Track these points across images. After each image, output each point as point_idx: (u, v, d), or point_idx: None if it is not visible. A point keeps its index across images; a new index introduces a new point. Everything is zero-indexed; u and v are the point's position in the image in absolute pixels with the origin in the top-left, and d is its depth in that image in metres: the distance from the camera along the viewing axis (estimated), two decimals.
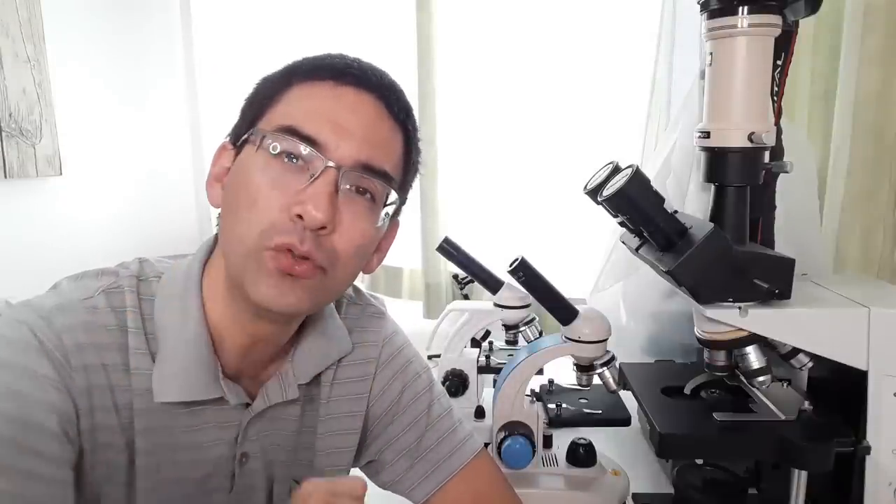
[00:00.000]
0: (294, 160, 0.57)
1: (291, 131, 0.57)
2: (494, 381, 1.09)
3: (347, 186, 0.58)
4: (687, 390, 0.90)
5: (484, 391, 1.12)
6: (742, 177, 0.76)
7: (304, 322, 0.68)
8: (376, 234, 0.63)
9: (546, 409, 1.08)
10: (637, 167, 0.74)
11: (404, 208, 0.69)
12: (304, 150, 0.57)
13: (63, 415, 0.54)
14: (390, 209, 0.62)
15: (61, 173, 1.50)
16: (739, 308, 0.74)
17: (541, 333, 1.06)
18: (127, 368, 0.59)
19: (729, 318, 0.75)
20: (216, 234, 0.64)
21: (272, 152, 0.57)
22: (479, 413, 1.07)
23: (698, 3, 0.76)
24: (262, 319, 0.61)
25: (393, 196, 0.62)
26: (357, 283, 0.81)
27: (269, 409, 0.66)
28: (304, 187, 0.56)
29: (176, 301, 0.62)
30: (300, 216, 0.55)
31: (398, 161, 0.63)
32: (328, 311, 0.71)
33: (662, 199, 0.75)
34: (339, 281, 0.61)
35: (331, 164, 0.56)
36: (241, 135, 0.61)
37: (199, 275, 0.63)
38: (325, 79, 0.60)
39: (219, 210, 0.63)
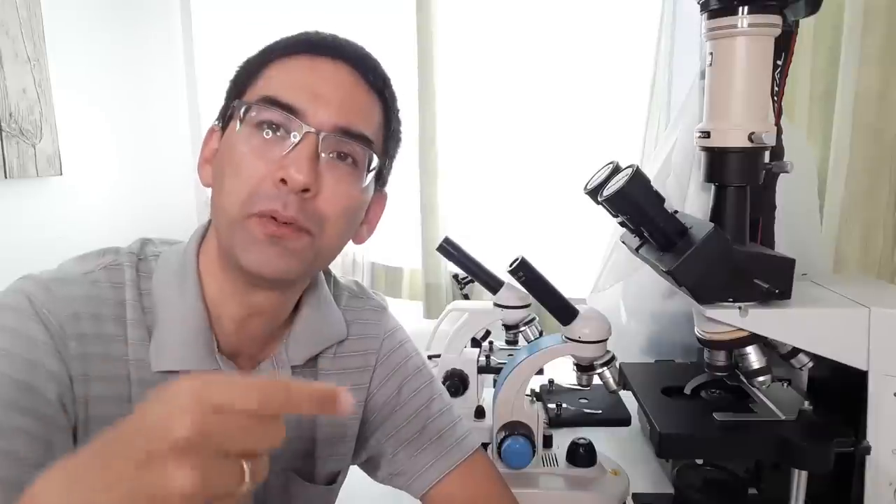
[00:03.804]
0: (275, 130, 0.59)
1: (270, 101, 0.59)
2: (494, 381, 1.09)
3: (330, 154, 0.60)
4: (687, 390, 0.90)
5: (484, 391, 1.12)
6: (742, 177, 0.76)
7: (299, 304, 0.69)
8: (362, 197, 0.64)
9: (546, 409, 1.08)
10: (637, 167, 0.74)
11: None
12: (283, 117, 0.58)
13: (59, 380, 0.56)
14: (373, 173, 0.64)
15: (61, 173, 1.50)
16: (739, 308, 0.74)
17: (541, 333, 1.06)
18: (124, 339, 0.60)
19: (729, 318, 0.75)
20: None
21: (253, 124, 0.59)
22: (479, 413, 1.07)
23: (698, 3, 0.76)
24: (257, 287, 0.62)
25: (375, 160, 0.63)
26: (358, 280, 0.82)
27: None
28: (286, 154, 0.58)
29: (173, 277, 0.63)
30: (283, 181, 0.57)
31: (378, 127, 0.64)
32: (324, 296, 0.72)
33: (662, 199, 0.75)
34: (328, 244, 0.62)
35: (310, 129, 0.58)
36: (226, 113, 0.64)
37: (196, 252, 0.65)
38: (301, 53, 0.62)
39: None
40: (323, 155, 0.59)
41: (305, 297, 0.70)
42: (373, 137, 0.63)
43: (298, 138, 0.58)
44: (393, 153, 0.69)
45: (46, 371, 0.55)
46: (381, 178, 0.68)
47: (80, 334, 0.58)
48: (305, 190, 0.57)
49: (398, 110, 0.68)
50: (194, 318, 0.62)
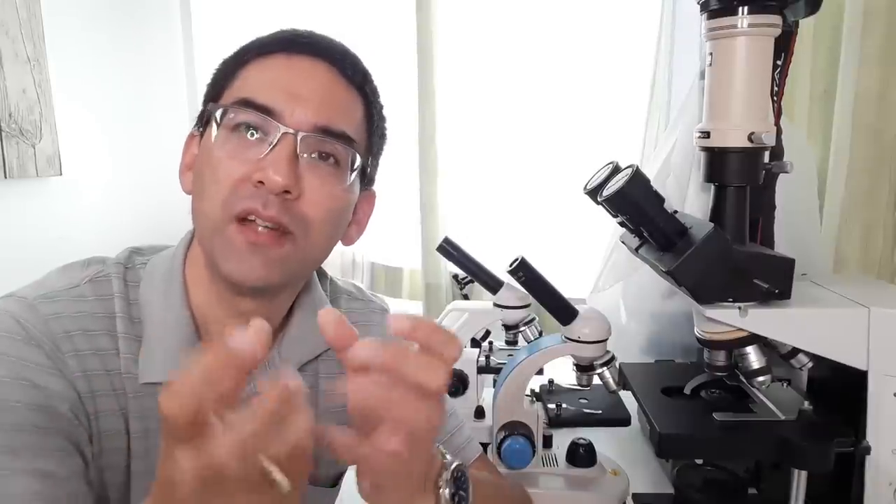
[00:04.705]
0: (252, 132, 0.58)
1: (246, 102, 0.58)
2: (494, 381, 1.09)
3: (310, 154, 0.59)
4: (687, 390, 0.90)
5: (484, 391, 1.12)
6: (742, 177, 0.76)
7: (292, 309, 0.68)
8: (347, 197, 0.63)
9: (546, 409, 1.08)
10: (637, 167, 0.74)
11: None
12: (260, 119, 0.57)
13: (68, 398, 0.55)
14: (357, 172, 0.62)
15: (61, 173, 1.50)
16: (739, 308, 0.74)
17: (541, 333, 1.06)
18: (117, 353, 0.60)
19: (729, 318, 0.75)
20: None
21: (230, 126, 0.58)
22: (479, 413, 1.07)
23: (698, 3, 0.76)
24: (243, 295, 0.61)
25: (358, 159, 0.62)
26: (356, 283, 0.81)
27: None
28: (264, 156, 0.57)
29: (160, 285, 0.62)
30: (261, 182, 0.56)
31: (359, 125, 0.63)
32: (318, 299, 0.71)
33: (662, 199, 0.75)
34: (313, 248, 0.61)
35: (288, 130, 0.57)
36: (202, 118, 0.62)
37: (182, 260, 0.64)
38: (277, 51, 0.61)
39: None
40: (304, 156, 0.58)
41: (298, 300, 0.69)
42: (354, 136, 0.61)
43: (276, 139, 0.57)
44: (378, 150, 0.68)
45: (53, 391, 0.55)
46: (366, 177, 0.66)
47: (77, 351, 0.57)
48: (286, 192, 0.56)
49: (381, 106, 0.67)
50: (180, 327, 0.61)
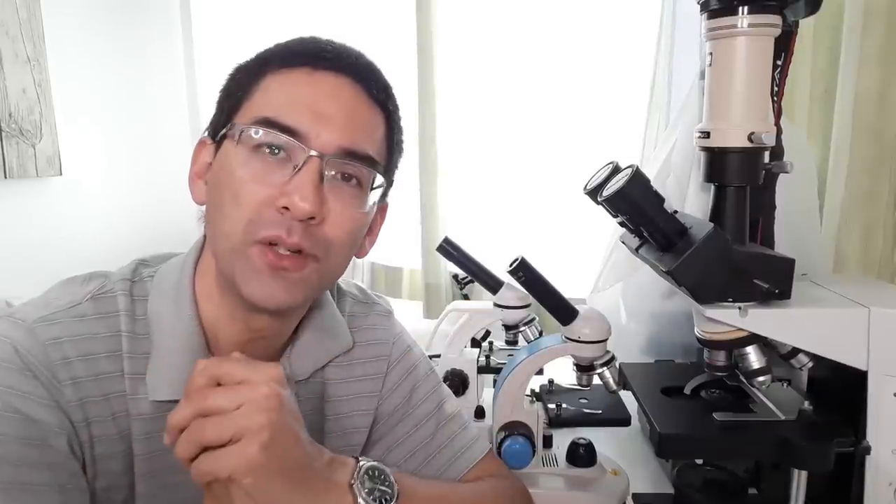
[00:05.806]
0: (276, 152, 0.56)
1: (270, 123, 0.56)
2: (494, 381, 1.09)
3: (332, 173, 0.58)
4: (687, 390, 0.90)
5: (484, 391, 1.12)
6: (742, 177, 0.76)
7: (302, 320, 0.68)
8: (366, 218, 0.62)
9: (546, 409, 1.08)
10: (637, 167, 0.74)
11: (392, 192, 0.69)
12: (285, 140, 0.56)
13: (62, 428, 0.54)
14: (377, 193, 0.62)
15: (61, 173, 1.50)
16: (739, 308, 0.74)
17: (541, 333, 1.06)
18: (121, 374, 0.58)
19: (729, 318, 0.75)
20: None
21: (252, 146, 0.57)
22: (479, 413, 1.07)
23: (698, 3, 0.76)
24: (258, 315, 0.60)
25: (379, 180, 0.61)
26: (357, 283, 0.81)
27: None
28: (289, 179, 0.55)
29: (169, 298, 0.61)
30: (286, 208, 0.55)
31: (381, 143, 0.62)
32: (327, 307, 0.71)
33: (662, 199, 0.75)
34: (333, 268, 0.61)
35: (313, 153, 0.56)
36: (220, 129, 0.60)
37: (192, 273, 0.63)
38: (300, 65, 0.59)
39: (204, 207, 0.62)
40: (326, 173, 0.57)
41: (309, 312, 0.68)
42: (377, 156, 0.61)
43: (301, 163, 0.55)
44: (396, 165, 0.67)
45: (47, 423, 0.53)
46: (384, 193, 0.65)
47: (75, 379, 0.55)
48: (311, 218, 0.55)
49: (400, 118, 0.66)
50: (190, 344, 0.60)
